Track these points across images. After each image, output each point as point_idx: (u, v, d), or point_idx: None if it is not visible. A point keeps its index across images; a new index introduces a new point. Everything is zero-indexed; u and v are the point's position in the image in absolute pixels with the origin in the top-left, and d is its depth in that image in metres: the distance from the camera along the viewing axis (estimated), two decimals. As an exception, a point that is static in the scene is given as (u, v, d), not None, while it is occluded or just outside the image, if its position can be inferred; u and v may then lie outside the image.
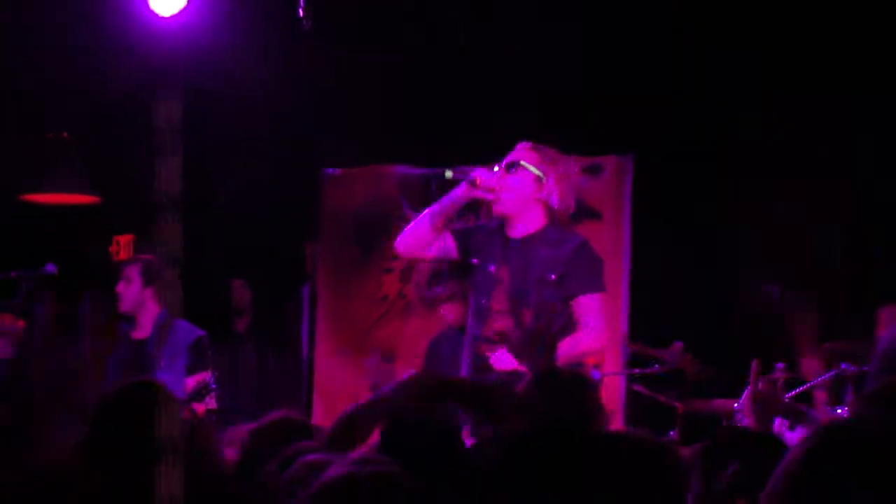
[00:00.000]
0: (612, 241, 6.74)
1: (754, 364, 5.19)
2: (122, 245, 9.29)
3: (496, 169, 5.41)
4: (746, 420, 5.81)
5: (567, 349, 5.16)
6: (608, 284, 6.64)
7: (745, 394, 5.97)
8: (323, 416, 7.04)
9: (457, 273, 5.86)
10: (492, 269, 5.29)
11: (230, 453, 4.52)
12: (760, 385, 5.21)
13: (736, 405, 6.08)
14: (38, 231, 9.33)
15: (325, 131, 8.67)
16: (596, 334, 5.29)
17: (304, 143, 8.62)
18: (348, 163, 7.52)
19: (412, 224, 5.51)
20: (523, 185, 5.35)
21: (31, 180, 9.20)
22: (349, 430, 3.80)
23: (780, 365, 6.42)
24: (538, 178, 5.35)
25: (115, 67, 7.83)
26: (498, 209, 5.38)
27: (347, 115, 8.76)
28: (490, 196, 5.38)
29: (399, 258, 7.12)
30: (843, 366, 6.75)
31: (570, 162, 5.45)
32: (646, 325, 7.57)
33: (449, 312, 6.46)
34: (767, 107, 8.11)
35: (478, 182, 5.34)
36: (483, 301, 5.28)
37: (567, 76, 8.45)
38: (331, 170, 7.46)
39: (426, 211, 5.47)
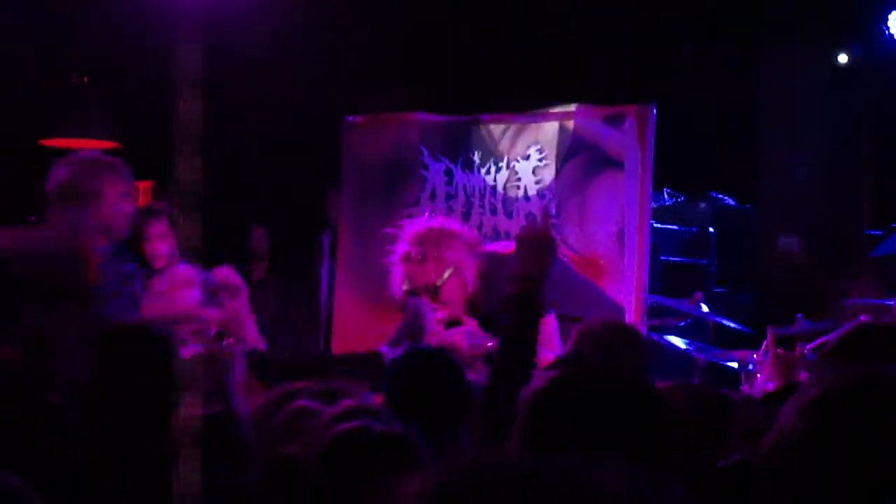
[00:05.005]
0: (633, 191, 6.70)
1: (770, 331, 5.21)
2: (142, 191, 9.29)
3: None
4: (761, 377, 5.82)
5: None
6: (629, 236, 6.65)
7: (762, 355, 5.98)
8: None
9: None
10: None
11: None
12: (780, 350, 5.22)
13: (751, 365, 6.09)
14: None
15: (347, 78, 8.65)
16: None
17: (327, 89, 8.59)
18: (370, 110, 7.49)
19: None
20: (458, 287, 5.40)
21: (51, 125, 9.21)
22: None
23: (800, 315, 6.42)
24: (456, 270, 5.37)
25: (136, 11, 7.81)
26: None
27: (370, 62, 8.74)
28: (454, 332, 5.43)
29: (419, 206, 7.11)
30: (861, 318, 6.74)
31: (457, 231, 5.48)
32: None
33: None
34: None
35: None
36: None
37: (586, 26, 8.42)
38: (352, 117, 7.43)
39: None
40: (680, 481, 2.22)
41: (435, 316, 5.42)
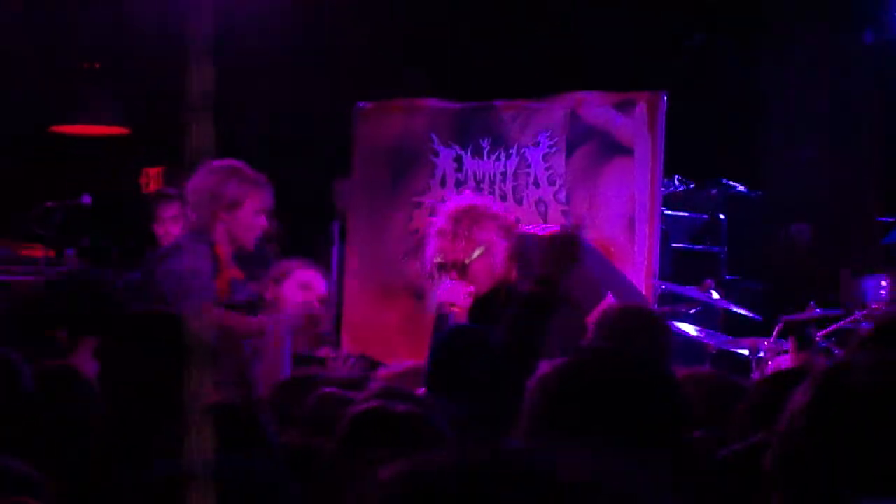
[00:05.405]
0: (643, 178, 6.69)
1: (792, 340, 5.20)
2: (152, 177, 9.30)
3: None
4: (772, 366, 5.82)
5: None
6: (639, 223, 6.64)
7: (773, 343, 5.99)
8: (351, 349, 7.04)
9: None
10: None
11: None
12: (803, 356, 5.22)
13: (761, 353, 6.09)
14: (67, 162, 9.35)
15: (354, 67, 8.63)
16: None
17: (334, 78, 8.58)
18: (380, 96, 7.48)
19: None
20: (486, 269, 5.38)
21: (62, 111, 9.21)
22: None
23: (812, 303, 6.41)
24: (486, 251, 5.38)
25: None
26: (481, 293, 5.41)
27: (378, 50, 8.73)
28: (468, 300, 5.38)
29: (429, 192, 7.11)
30: (872, 305, 6.73)
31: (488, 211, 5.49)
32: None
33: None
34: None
35: (455, 304, 5.36)
36: None
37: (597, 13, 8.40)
38: (363, 103, 7.41)
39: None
40: (687, 470, 2.21)
41: (467, 290, 5.43)
